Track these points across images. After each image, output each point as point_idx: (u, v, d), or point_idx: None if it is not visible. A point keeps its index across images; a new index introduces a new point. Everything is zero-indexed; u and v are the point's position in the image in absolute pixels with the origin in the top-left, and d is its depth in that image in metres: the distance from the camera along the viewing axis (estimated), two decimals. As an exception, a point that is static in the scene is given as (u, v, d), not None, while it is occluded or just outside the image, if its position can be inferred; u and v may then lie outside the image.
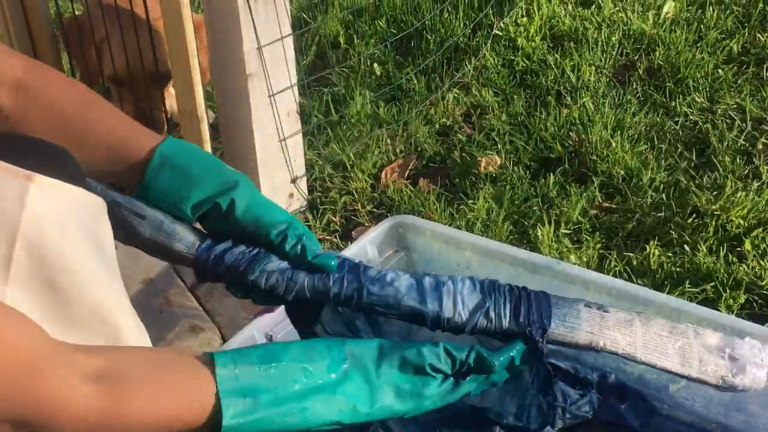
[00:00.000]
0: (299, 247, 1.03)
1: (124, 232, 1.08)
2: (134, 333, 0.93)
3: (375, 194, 2.18)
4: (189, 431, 0.83)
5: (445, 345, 0.96)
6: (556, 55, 2.60)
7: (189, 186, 1.03)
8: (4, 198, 0.82)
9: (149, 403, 0.79)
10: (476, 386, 0.99)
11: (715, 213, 1.89)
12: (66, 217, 0.87)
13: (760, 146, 2.14)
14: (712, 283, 1.71)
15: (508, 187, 2.08)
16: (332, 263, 1.03)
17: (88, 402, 0.75)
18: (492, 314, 1.05)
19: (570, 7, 2.85)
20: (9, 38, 2.13)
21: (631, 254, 1.83)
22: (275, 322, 1.33)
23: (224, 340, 1.59)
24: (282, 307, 1.33)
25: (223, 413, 0.82)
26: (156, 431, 0.81)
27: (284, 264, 1.04)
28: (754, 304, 1.69)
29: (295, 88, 1.98)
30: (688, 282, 1.71)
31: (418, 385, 0.94)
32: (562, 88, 2.46)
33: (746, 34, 2.60)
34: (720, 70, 2.46)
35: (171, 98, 2.29)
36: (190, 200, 1.03)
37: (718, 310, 1.57)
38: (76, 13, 2.39)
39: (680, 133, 2.24)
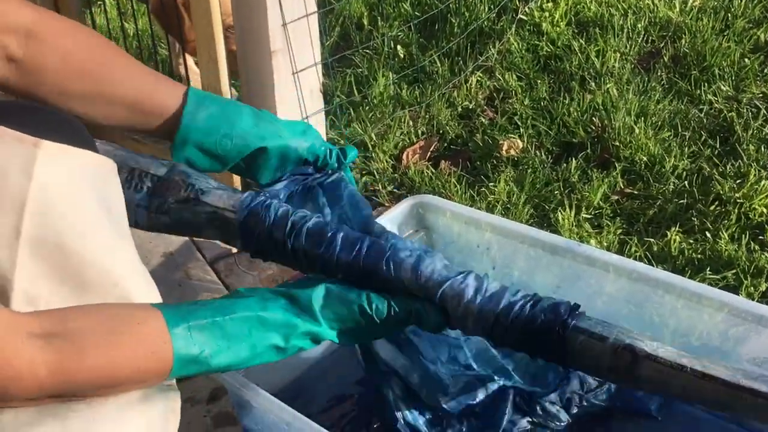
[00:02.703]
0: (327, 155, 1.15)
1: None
2: (146, 295, 0.93)
3: (396, 175, 2.17)
4: (142, 381, 0.83)
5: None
6: (581, 41, 2.58)
7: (230, 123, 1.06)
8: (11, 166, 0.82)
9: (100, 356, 0.79)
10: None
11: (738, 201, 1.88)
12: (75, 182, 0.87)
13: (785, 136, 2.12)
14: (733, 271, 1.70)
15: (529, 170, 2.07)
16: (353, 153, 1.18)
17: (35, 358, 0.74)
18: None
19: (596, -8, 2.84)
20: None
21: (651, 240, 1.82)
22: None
23: (243, 314, 1.59)
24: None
25: (173, 364, 0.84)
26: (110, 383, 0.80)
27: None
28: (775, 293, 1.68)
29: (319, 66, 1.98)
30: (708, 269, 1.70)
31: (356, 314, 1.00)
32: (586, 73, 2.45)
33: (774, 23, 2.57)
34: (746, 59, 2.43)
35: (195, 75, 2.29)
36: (237, 131, 1.06)
37: (739, 298, 1.56)
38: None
39: (704, 121, 2.22)
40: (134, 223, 1.12)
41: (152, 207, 1.12)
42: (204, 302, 0.91)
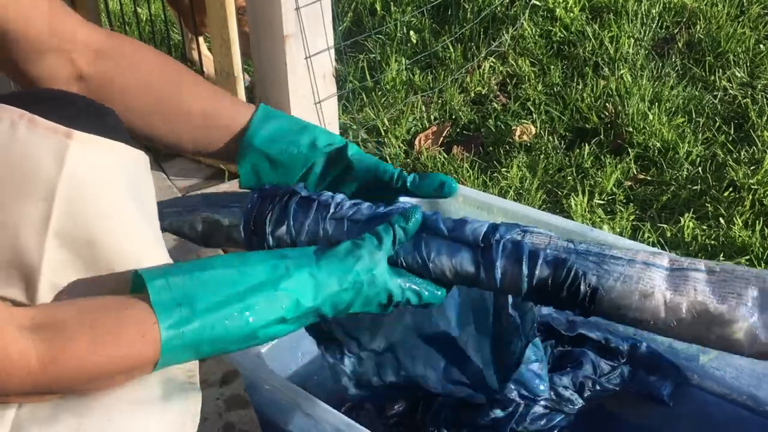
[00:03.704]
0: (417, 179, 1.05)
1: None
2: None
3: (408, 160, 2.17)
4: (133, 367, 0.80)
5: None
6: (594, 26, 2.57)
7: (298, 131, 1.05)
8: (43, 155, 0.82)
9: (88, 345, 0.76)
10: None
11: (752, 187, 1.87)
12: (106, 174, 0.86)
13: (800, 122, 2.11)
14: (747, 257, 1.69)
15: (542, 156, 2.07)
16: (454, 186, 1.05)
17: (27, 350, 0.73)
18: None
19: (610, -22, 2.82)
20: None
21: (665, 226, 1.82)
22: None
23: (255, 298, 1.59)
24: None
25: (159, 326, 0.78)
26: (102, 373, 0.79)
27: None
28: (789, 280, 1.67)
29: (332, 51, 1.98)
30: (722, 255, 1.70)
31: (363, 271, 0.91)
32: (599, 59, 2.44)
33: (790, 9, 2.56)
34: (761, 45, 2.42)
35: (207, 60, 2.29)
36: (305, 141, 1.04)
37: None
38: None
39: (719, 107, 2.21)
40: None
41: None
42: (184, 269, 0.84)
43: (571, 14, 2.65)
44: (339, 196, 1.05)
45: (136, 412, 0.82)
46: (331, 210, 1.03)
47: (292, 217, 1.04)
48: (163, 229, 1.12)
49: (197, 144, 1.06)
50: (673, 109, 2.20)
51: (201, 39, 2.41)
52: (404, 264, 0.98)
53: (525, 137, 2.17)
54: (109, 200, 0.85)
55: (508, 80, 2.44)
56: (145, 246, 0.88)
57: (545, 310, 1.39)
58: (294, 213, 1.04)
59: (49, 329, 0.75)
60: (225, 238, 1.13)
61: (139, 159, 0.92)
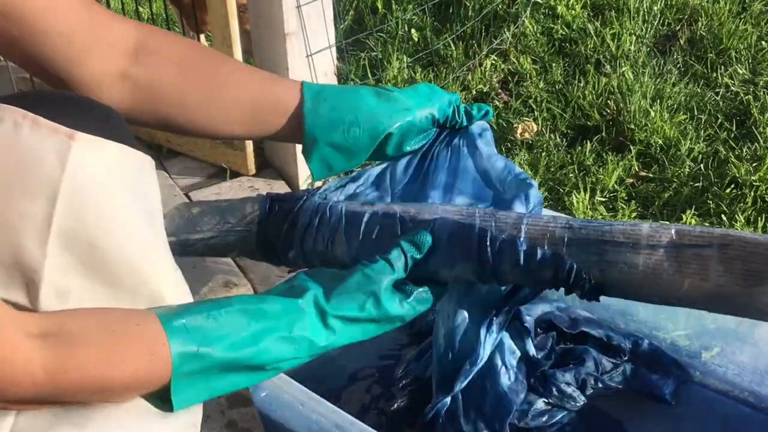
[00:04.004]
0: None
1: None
2: (176, 295, 0.91)
3: (410, 158, 2.17)
4: (142, 385, 0.80)
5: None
6: (596, 24, 2.57)
7: (353, 110, 1.03)
8: (45, 156, 0.81)
9: (97, 357, 0.76)
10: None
11: (754, 184, 1.87)
12: (109, 176, 0.85)
13: (802, 119, 2.11)
14: (749, 254, 1.69)
15: (544, 154, 2.07)
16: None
17: (33, 358, 0.72)
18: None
19: (612, -25, 2.82)
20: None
21: (667, 223, 1.81)
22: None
23: (257, 296, 1.59)
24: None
25: (173, 363, 0.78)
26: (108, 387, 0.78)
27: None
28: (791, 277, 1.67)
29: (333, 49, 1.98)
30: (724, 252, 1.70)
31: (373, 306, 0.92)
32: (601, 56, 2.44)
33: (792, 5, 2.55)
34: (763, 42, 2.42)
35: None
36: (361, 121, 1.03)
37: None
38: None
39: (721, 104, 2.21)
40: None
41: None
42: (199, 301, 0.87)
43: (573, 12, 2.64)
44: (343, 206, 1.06)
45: (136, 423, 0.82)
46: (342, 223, 1.04)
47: (302, 238, 1.06)
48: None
49: (250, 132, 1.05)
50: (675, 106, 2.20)
51: (202, 37, 2.41)
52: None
53: (527, 135, 2.17)
54: (111, 202, 0.84)
55: (509, 78, 2.44)
56: (146, 249, 0.87)
57: (547, 308, 1.39)
58: (304, 231, 1.06)
59: (57, 338, 0.74)
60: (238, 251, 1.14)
61: (144, 161, 0.91)
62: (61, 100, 0.90)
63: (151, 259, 0.87)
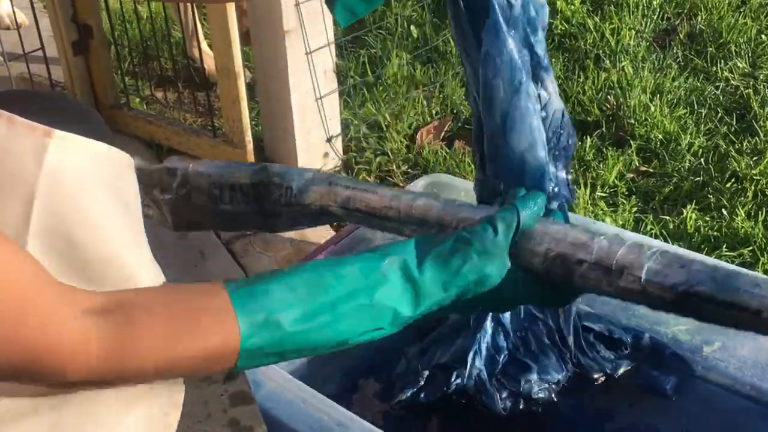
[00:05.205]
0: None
1: None
2: None
3: (410, 155, 2.17)
4: (210, 362, 0.76)
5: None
6: (595, 19, 2.57)
7: None
8: (21, 155, 0.81)
9: (160, 333, 0.73)
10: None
11: (755, 177, 1.87)
12: (87, 174, 0.84)
13: (802, 112, 2.11)
14: (750, 248, 1.69)
15: (544, 149, 2.07)
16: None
17: (89, 333, 0.69)
18: None
19: (611, -30, 2.81)
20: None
21: (667, 218, 1.82)
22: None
23: (258, 294, 1.59)
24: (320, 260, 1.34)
25: (241, 333, 0.74)
26: (172, 365, 0.75)
27: None
28: (792, 270, 1.67)
29: (332, 47, 1.98)
30: (725, 246, 1.70)
31: (462, 269, 0.83)
32: (601, 51, 2.43)
33: (791, -1, 2.55)
34: (763, 36, 2.42)
35: (209, 58, 2.29)
36: None
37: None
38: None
39: (721, 98, 2.21)
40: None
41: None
42: (269, 271, 0.80)
43: (572, 7, 2.64)
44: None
45: (115, 403, 0.81)
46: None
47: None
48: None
49: None
50: (675, 100, 2.20)
51: (201, 36, 2.41)
52: None
53: (527, 130, 2.17)
54: (89, 200, 0.83)
55: (509, 74, 2.43)
56: (124, 247, 0.86)
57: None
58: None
59: (117, 314, 0.72)
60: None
61: (123, 160, 0.90)
62: (38, 98, 0.90)
63: (132, 257, 0.87)
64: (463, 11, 1.08)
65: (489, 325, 1.30)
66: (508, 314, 1.30)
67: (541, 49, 1.10)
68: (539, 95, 1.11)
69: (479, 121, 1.13)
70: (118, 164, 0.89)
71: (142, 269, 0.88)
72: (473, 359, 1.28)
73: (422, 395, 1.27)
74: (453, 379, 1.26)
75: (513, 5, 1.06)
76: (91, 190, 0.84)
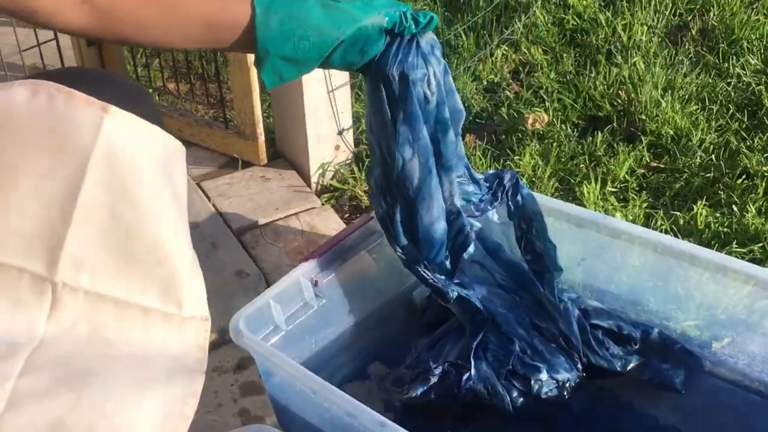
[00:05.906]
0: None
1: None
2: (189, 280, 0.91)
3: (421, 149, 2.17)
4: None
5: None
6: (607, 14, 2.56)
7: (301, 23, 1.04)
8: (78, 126, 0.82)
9: None
10: None
11: (766, 174, 1.87)
12: (140, 152, 0.86)
13: (814, 109, 2.10)
14: (760, 244, 1.69)
15: (554, 144, 2.07)
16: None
17: None
18: None
19: (623, -35, 2.81)
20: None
21: (678, 213, 1.82)
22: (319, 268, 1.34)
23: (269, 285, 1.60)
24: (326, 255, 1.35)
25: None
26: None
27: None
28: (802, 267, 1.67)
29: (344, 40, 1.98)
30: (735, 242, 1.70)
31: None
32: (612, 47, 2.43)
33: (804, -5, 2.54)
34: (776, 32, 2.41)
35: (220, 49, 2.30)
36: (310, 35, 1.05)
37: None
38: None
39: (732, 94, 2.20)
40: None
41: None
42: None
43: (584, 2, 2.64)
44: None
45: (135, 390, 0.82)
46: None
47: None
48: None
49: (205, 45, 1.07)
50: (687, 96, 2.20)
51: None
52: None
53: (537, 125, 2.17)
54: (139, 177, 0.85)
55: (520, 68, 2.44)
56: (167, 228, 0.87)
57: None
58: None
59: None
60: None
61: (176, 147, 0.92)
62: (98, 77, 0.91)
63: (171, 240, 0.88)
64: (384, 98, 1.17)
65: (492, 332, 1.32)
66: (513, 324, 1.32)
67: (449, 150, 1.24)
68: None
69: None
70: (170, 148, 0.91)
71: (179, 253, 0.89)
72: (481, 361, 1.28)
73: (432, 395, 1.28)
74: (463, 383, 1.26)
75: (429, 101, 1.17)
76: (142, 167, 0.86)
